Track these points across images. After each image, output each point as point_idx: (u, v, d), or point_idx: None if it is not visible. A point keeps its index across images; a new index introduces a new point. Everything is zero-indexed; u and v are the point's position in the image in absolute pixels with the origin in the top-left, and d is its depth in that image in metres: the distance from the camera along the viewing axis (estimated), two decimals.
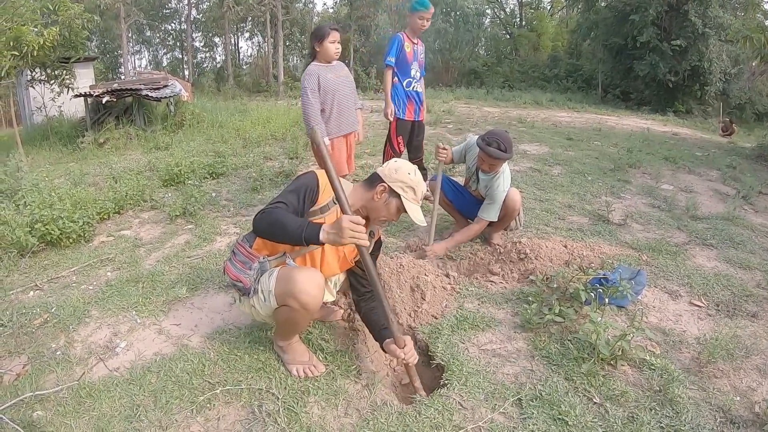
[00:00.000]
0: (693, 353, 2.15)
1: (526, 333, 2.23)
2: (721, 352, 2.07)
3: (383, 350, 1.99)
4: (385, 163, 1.96)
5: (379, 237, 2.16)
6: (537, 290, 2.44)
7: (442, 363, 2.02)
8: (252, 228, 1.81)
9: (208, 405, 1.83)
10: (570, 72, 20.66)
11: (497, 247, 3.01)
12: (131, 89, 8.25)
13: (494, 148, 2.78)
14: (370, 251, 2.01)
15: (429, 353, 2.13)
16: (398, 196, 1.88)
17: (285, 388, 1.91)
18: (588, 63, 20.51)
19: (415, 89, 3.90)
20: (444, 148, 3.08)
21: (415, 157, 4.13)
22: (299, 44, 26.39)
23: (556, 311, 2.14)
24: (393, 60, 3.76)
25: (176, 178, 4.97)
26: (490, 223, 3.00)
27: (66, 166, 6.46)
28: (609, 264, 2.90)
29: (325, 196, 1.88)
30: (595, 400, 1.82)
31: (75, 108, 9.55)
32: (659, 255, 3.13)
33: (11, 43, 5.80)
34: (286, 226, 1.66)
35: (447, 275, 2.71)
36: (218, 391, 1.88)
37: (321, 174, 1.91)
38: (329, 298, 2.11)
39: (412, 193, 1.89)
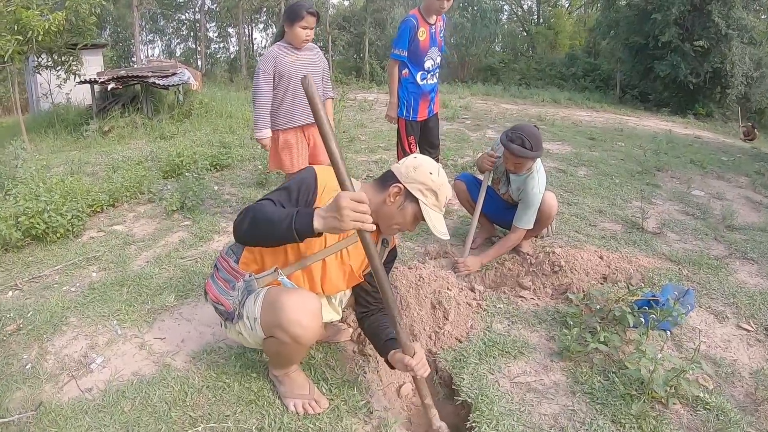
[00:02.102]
0: (747, 387, 1.87)
1: (565, 362, 1.90)
2: None
3: (388, 365, 1.67)
4: (402, 160, 1.58)
5: (395, 246, 1.79)
6: (575, 311, 2.10)
7: (469, 400, 1.69)
8: (233, 232, 1.46)
9: None
10: (587, 71, 20.24)
11: (527, 256, 2.68)
12: (138, 76, 8.00)
13: (518, 145, 2.41)
14: (383, 261, 1.65)
15: (453, 386, 1.81)
16: (416, 200, 1.50)
17: (280, 428, 1.59)
18: (606, 62, 20.08)
19: (429, 82, 3.31)
20: (492, 156, 2.68)
21: (431, 155, 3.65)
22: (314, 37, 26.16)
23: (600, 338, 1.81)
24: (403, 53, 3.14)
25: (177, 169, 4.70)
26: None
27: (68, 155, 6.24)
28: (650, 279, 2.59)
29: (326, 197, 1.51)
30: None
31: (83, 95, 9.35)
32: (700, 269, 2.82)
33: (15, 27, 5.55)
34: (271, 220, 1.33)
35: (472, 289, 2.37)
36: (200, 429, 1.59)
37: (321, 171, 1.56)
38: (335, 317, 1.77)
39: (434, 198, 1.50)
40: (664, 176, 5.17)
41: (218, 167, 5.02)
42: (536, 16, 27.20)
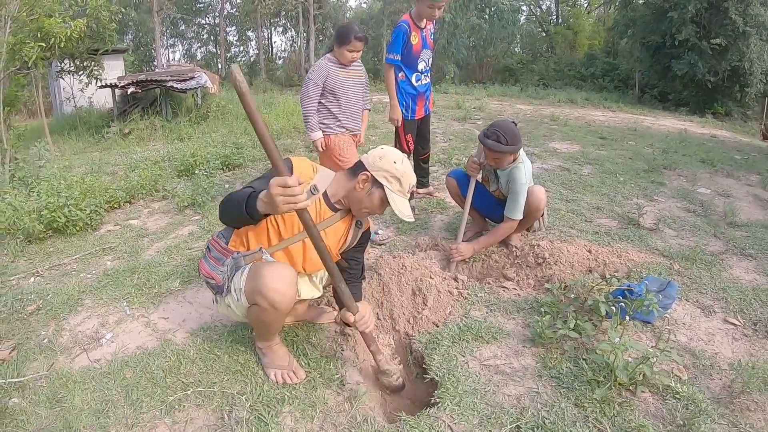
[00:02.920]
0: (725, 380, 1.86)
1: (537, 348, 1.97)
2: (756, 381, 1.77)
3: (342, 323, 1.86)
4: (371, 151, 1.77)
5: (368, 228, 1.97)
6: (553, 300, 2.17)
7: (436, 378, 1.80)
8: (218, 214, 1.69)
9: (178, 406, 1.74)
10: (606, 71, 19.84)
11: (514, 249, 2.75)
12: (157, 80, 8.31)
13: (493, 140, 2.53)
14: (357, 242, 1.90)
15: (424, 366, 1.92)
16: (382, 186, 1.70)
17: (260, 394, 1.77)
18: (625, 62, 19.68)
19: (423, 83, 3.51)
20: (475, 162, 2.84)
21: (425, 152, 3.85)
22: (332, 38, 26.44)
23: (571, 326, 1.88)
24: (397, 57, 3.34)
25: (191, 169, 4.91)
26: None
27: (89, 155, 6.55)
28: (636, 273, 2.62)
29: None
30: None
31: (104, 99, 9.73)
32: (692, 264, 2.81)
33: (38, 34, 5.86)
34: (236, 202, 1.54)
35: (455, 279, 2.47)
36: (190, 392, 1.78)
37: (297, 161, 1.75)
38: (316, 293, 1.95)
39: (398, 184, 1.70)
40: (671, 174, 5.13)
41: (230, 167, 5.22)
42: (555, 16, 26.87)
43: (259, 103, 10.53)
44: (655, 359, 1.67)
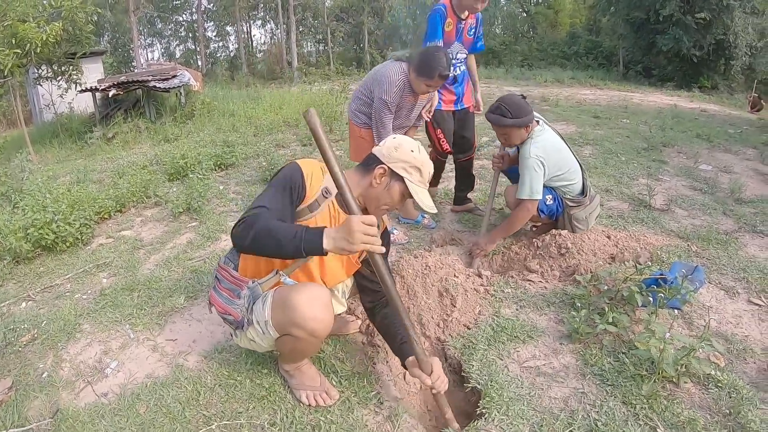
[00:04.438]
0: (759, 364, 1.83)
1: (574, 344, 1.89)
2: None
3: (405, 368, 1.67)
4: (383, 141, 1.63)
5: (386, 228, 1.82)
6: (583, 292, 2.08)
7: (478, 387, 1.70)
8: (233, 244, 1.45)
9: None
10: (590, 49, 19.97)
11: (534, 239, 2.65)
12: (139, 81, 8.03)
13: (497, 114, 2.43)
14: None
15: (462, 373, 1.81)
16: (401, 178, 1.55)
17: (292, 422, 1.62)
18: (608, 39, 19.77)
19: (453, 73, 3.08)
20: (500, 157, 2.71)
21: (464, 156, 3.31)
22: (312, 29, 25.97)
23: (609, 319, 1.79)
24: (440, 44, 2.91)
25: (182, 171, 4.72)
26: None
27: (73, 163, 6.30)
28: (658, 257, 2.55)
29: (313, 190, 1.55)
30: (659, 431, 1.50)
31: (85, 103, 9.41)
32: (709, 245, 2.77)
33: (13, 41, 5.58)
34: (277, 238, 1.31)
35: (479, 275, 2.36)
36: (214, 427, 1.61)
37: (305, 164, 1.57)
38: (339, 309, 1.79)
39: (418, 174, 1.57)
40: (671, 152, 5.08)
41: (222, 166, 5.04)
42: None
43: (244, 98, 10.29)
44: (701, 349, 1.61)
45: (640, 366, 1.71)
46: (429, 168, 1.60)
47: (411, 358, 1.59)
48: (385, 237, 1.79)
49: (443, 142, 3.12)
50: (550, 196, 2.62)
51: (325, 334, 1.52)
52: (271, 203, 1.43)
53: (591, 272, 2.26)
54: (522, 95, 2.53)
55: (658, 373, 1.64)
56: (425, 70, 2.53)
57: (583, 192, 2.69)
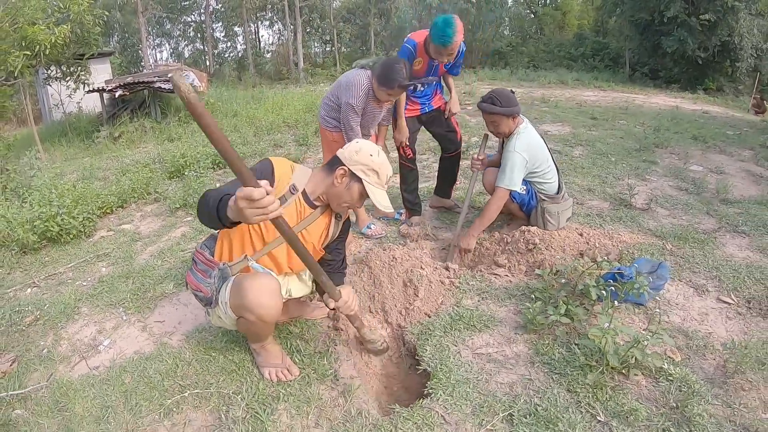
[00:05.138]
0: (719, 360, 1.86)
1: (529, 335, 1.99)
2: (750, 360, 1.77)
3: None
4: (346, 145, 1.79)
5: (347, 218, 2.00)
6: (544, 285, 2.18)
7: (429, 369, 1.82)
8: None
9: (176, 409, 1.77)
10: (597, 50, 19.73)
11: (504, 235, 2.76)
12: (144, 82, 8.25)
13: (488, 103, 2.65)
14: (338, 234, 1.93)
15: (417, 357, 1.93)
16: (360, 180, 1.71)
17: (255, 393, 1.79)
18: (615, 40, 19.55)
19: (420, 90, 3.11)
20: (479, 159, 2.87)
21: (448, 151, 3.35)
22: (319, 30, 26.14)
23: (562, 311, 1.88)
24: None
25: (182, 170, 4.90)
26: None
27: (80, 161, 6.52)
28: (629, 254, 2.63)
29: (281, 185, 1.72)
30: (599, 418, 1.58)
31: (93, 103, 9.66)
32: (685, 243, 2.81)
33: (23, 43, 5.79)
34: (209, 203, 1.47)
35: (447, 268, 2.49)
36: (187, 394, 1.81)
37: (276, 161, 1.75)
38: (306, 290, 2.00)
39: (375, 176, 1.72)
40: (663, 153, 5.12)
41: (220, 165, 5.20)
42: None
43: (248, 98, 10.47)
44: (646, 342, 1.67)
45: (590, 357, 1.78)
46: (387, 171, 1.75)
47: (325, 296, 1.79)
48: (345, 226, 1.99)
49: (406, 147, 3.17)
50: (524, 188, 2.79)
51: (272, 319, 1.68)
52: (230, 188, 1.50)
53: (552, 267, 2.35)
54: (511, 90, 2.76)
55: (606, 364, 1.69)
56: (385, 81, 2.63)
57: (558, 192, 2.85)
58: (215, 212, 1.43)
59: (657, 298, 2.21)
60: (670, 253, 2.71)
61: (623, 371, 1.73)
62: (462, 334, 2.01)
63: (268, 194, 1.21)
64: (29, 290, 2.97)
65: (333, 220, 1.90)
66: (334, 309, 1.82)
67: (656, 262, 2.30)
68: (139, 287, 2.74)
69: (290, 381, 1.85)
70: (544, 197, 2.81)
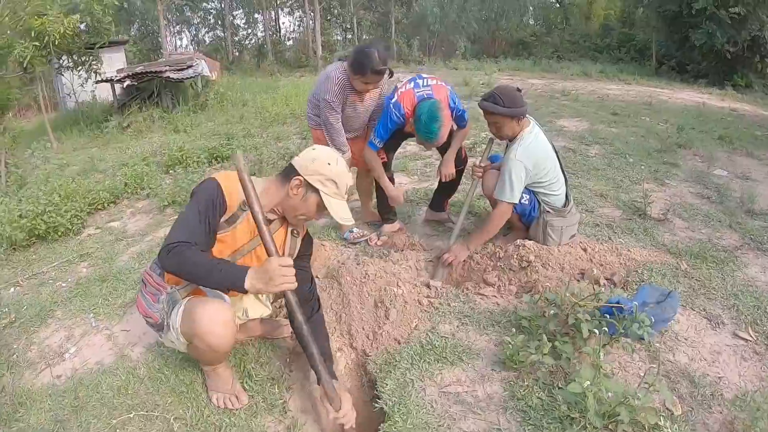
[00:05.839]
0: (726, 415, 1.59)
1: (507, 372, 1.76)
2: (764, 420, 1.49)
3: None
4: (302, 152, 1.63)
5: (306, 231, 1.84)
6: (532, 314, 1.92)
7: (385, 408, 1.62)
8: (161, 265, 1.55)
9: (122, 429, 1.72)
10: (623, 42, 19.02)
11: (498, 250, 2.52)
12: (153, 71, 8.19)
13: (490, 102, 2.36)
14: (296, 252, 1.77)
15: (375, 391, 1.74)
16: (317, 190, 1.57)
17: (199, 419, 1.71)
18: (642, 32, 18.73)
19: None
20: (481, 166, 2.62)
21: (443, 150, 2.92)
22: (339, 18, 25.85)
23: (546, 350, 1.64)
24: (381, 144, 2.74)
25: (178, 163, 4.80)
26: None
27: (88, 152, 6.50)
28: (637, 274, 2.36)
29: (233, 203, 1.59)
30: None
31: (107, 92, 9.68)
32: (702, 263, 2.52)
33: (32, 34, 5.76)
34: (199, 274, 1.42)
35: (428, 285, 2.27)
36: (133, 415, 1.75)
37: (224, 179, 1.59)
38: (265, 312, 1.87)
39: (334, 186, 1.58)
40: (686, 154, 4.75)
41: (218, 159, 5.08)
42: None
43: (262, 87, 10.34)
44: (637, 400, 1.40)
45: (573, 407, 1.52)
46: (346, 180, 1.60)
47: (322, 393, 1.63)
48: (307, 243, 1.83)
49: (380, 150, 2.82)
50: (527, 197, 2.52)
51: (225, 349, 1.59)
52: (193, 230, 1.47)
53: (544, 290, 2.10)
54: (518, 88, 2.45)
55: (588, 421, 1.44)
56: (358, 68, 2.47)
57: (566, 205, 2.58)
58: (221, 280, 1.41)
59: (664, 331, 1.96)
60: (684, 275, 2.43)
61: (611, 427, 1.47)
62: (431, 367, 1.79)
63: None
64: (12, 289, 2.92)
65: (289, 235, 1.73)
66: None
67: (665, 290, 2.01)
68: (112, 292, 2.66)
69: (238, 409, 1.74)
70: (548, 209, 2.54)
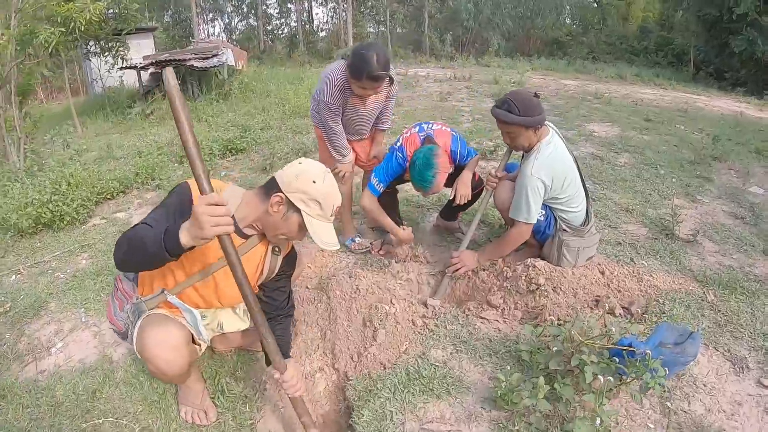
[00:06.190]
0: None
1: (498, 412, 1.58)
2: None
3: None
4: (287, 165, 1.47)
5: (292, 249, 1.71)
6: (532, 347, 1.72)
7: None
8: (115, 264, 1.40)
9: None
10: (660, 45, 18.40)
11: (505, 269, 2.32)
12: (178, 60, 8.21)
13: (504, 109, 2.12)
14: (275, 272, 1.62)
15: (350, 421, 1.60)
16: (300, 210, 1.41)
17: None
18: (680, 36, 18.03)
19: None
20: (497, 176, 2.42)
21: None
22: (373, 10, 25.64)
23: (541, 394, 1.44)
24: (382, 188, 2.57)
25: None
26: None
27: (109, 138, 6.55)
28: (658, 304, 2.13)
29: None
30: None
31: (134, 78, 9.79)
32: (731, 294, 2.27)
33: (59, 20, 5.81)
34: (144, 243, 1.26)
35: (425, 304, 2.10)
36: (102, 421, 1.73)
37: (194, 183, 1.44)
38: (242, 325, 1.77)
39: (317, 207, 1.41)
40: (721, 168, 4.41)
41: (232, 151, 5.01)
42: None
43: (289, 78, 10.25)
44: None
45: None
46: (332, 201, 1.44)
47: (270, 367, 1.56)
48: (289, 261, 1.69)
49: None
50: (543, 212, 2.31)
51: (174, 374, 1.48)
52: (153, 219, 1.38)
53: (550, 320, 1.91)
54: (536, 93, 2.21)
55: None
56: (354, 72, 2.28)
57: (585, 223, 2.35)
58: (162, 243, 1.22)
59: (679, 374, 1.75)
60: (710, 307, 2.19)
61: None
62: (414, 399, 1.62)
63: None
64: (13, 277, 2.92)
65: (269, 253, 1.59)
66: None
67: (686, 330, 1.76)
68: (104, 287, 2.61)
69: (205, 426, 1.68)
70: (564, 227, 2.32)
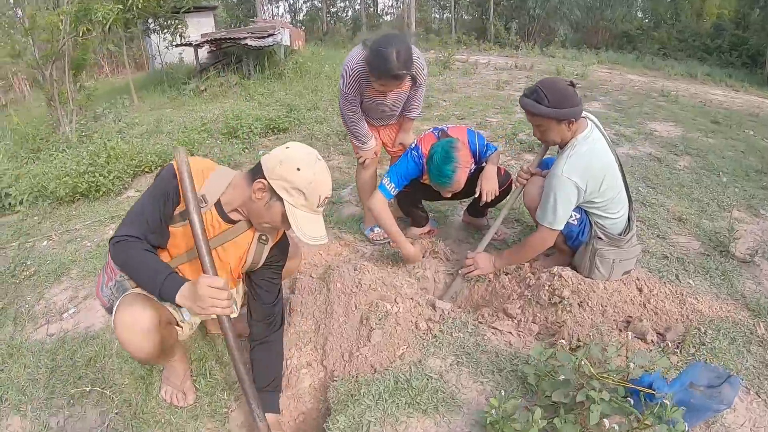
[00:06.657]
0: None
1: None
2: None
3: None
4: (275, 149, 1.36)
5: (283, 238, 1.61)
6: (540, 371, 1.50)
7: None
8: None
9: (79, 401, 1.76)
10: (735, 45, 17.00)
11: (529, 275, 2.12)
12: (233, 38, 8.34)
13: (532, 99, 1.88)
14: (261, 262, 1.54)
15: (324, 425, 1.48)
16: (282, 199, 1.32)
17: (144, 410, 1.69)
18: (756, 36, 16.57)
19: None
20: (527, 173, 2.19)
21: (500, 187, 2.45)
22: None
23: (535, 429, 1.24)
24: (395, 191, 2.36)
25: (233, 132, 4.81)
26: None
27: (161, 112, 6.78)
28: (699, 334, 1.84)
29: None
30: None
31: (194, 56, 10.09)
32: None
33: None
34: (140, 275, 1.33)
35: (433, 306, 1.92)
36: (90, 389, 1.79)
37: (177, 166, 1.37)
38: (232, 314, 1.63)
39: (301, 197, 1.31)
40: None
41: (275, 130, 5.02)
42: None
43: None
44: None
45: None
46: (319, 191, 1.32)
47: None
48: (280, 251, 1.60)
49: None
50: (577, 215, 2.05)
51: (144, 359, 1.42)
52: (145, 221, 1.35)
53: (575, 340, 1.69)
54: (571, 82, 1.92)
55: None
56: (372, 68, 2.08)
57: (625, 232, 2.09)
58: (157, 288, 1.28)
59: (711, 418, 1.50)
60: (759, 342, 1.86)
61: None
62: (397, 411, 1.45)
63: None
64: (45, 243, 3.07)
65: (255, 241, 1.50)
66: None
67: (724, 372, 1.46)
68: None
69: (182, 407, 1.68)
70: (600, 235, 2.05)
